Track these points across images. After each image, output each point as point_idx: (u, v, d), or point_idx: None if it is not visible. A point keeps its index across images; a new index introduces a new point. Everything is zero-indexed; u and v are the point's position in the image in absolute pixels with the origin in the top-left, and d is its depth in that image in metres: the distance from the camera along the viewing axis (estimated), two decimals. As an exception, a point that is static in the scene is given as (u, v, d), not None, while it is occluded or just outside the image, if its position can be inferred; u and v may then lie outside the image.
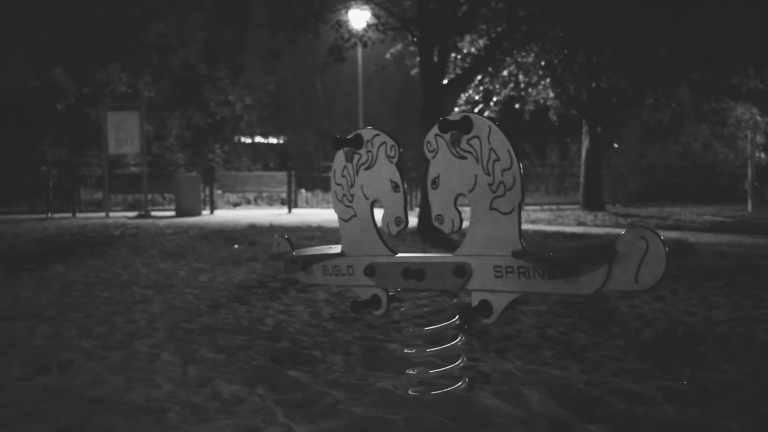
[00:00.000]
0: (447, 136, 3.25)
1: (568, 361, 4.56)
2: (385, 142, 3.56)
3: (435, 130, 3.29)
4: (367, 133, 3.65)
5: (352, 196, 3.74)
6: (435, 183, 3.32)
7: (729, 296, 7.00)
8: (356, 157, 3.68)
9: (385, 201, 3.59)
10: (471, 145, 3.17)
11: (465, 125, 3.16)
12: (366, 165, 3.64)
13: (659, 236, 2.74)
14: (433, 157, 3.31)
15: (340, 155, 3.78)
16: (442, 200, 3.31)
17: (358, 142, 3.65)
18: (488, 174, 3.12)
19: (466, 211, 3.21)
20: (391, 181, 3.54)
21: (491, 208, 3.15)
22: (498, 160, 3.09)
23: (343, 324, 5.78)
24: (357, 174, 3.69)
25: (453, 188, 3.27)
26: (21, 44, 33.22)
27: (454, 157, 3.24)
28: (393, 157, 3.53)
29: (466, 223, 3.29)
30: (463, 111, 3.43)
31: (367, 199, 3.68)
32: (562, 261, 3.03)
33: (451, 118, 3.20)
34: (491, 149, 3.10)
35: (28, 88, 31.33)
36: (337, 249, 3.92)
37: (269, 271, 8.84)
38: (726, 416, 3.47)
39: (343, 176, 3.77)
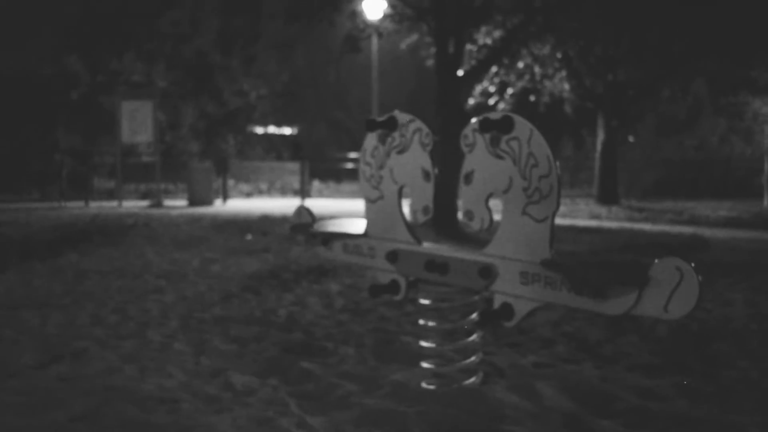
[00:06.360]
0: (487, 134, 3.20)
1: (581, 356, 4.55)
2: (420, 129, 3.54)
3: (474, 125, 3.23)
4: (401, 117, 3.63)
5: (380, 177, 3.72)
6: (468, 179, 3.27)
7: (744, 292, 6.95)
8: (389, 139, 3.66)
9: (414, 189, 3.56)
10: (510, 146, 3.11)
11: (506, 125, 3.11)
12: (398, 149, 3.62)
13: (693, 268, 2.67)
14: (469, 152, 3.27)
15: (371, 135, 3.76)
16: (474, 197, 3.27)
17: (392, 125, 3.64)
18: (525, 179, 3.07)
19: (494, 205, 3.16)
20: (423, 169, 3.52)
21: (524, 213, 3.09)
22: (536, 165, 3.03)
23: (356, 316, 5.78)
24: (388, 156, 3.67)
25: (486, 186, 3.22)
26: (35, 32, 33.27)
27: (491, 156, 3.18)
28: (427, 145, 3.51)
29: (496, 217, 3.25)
30: (504, 111, 3.39)
31: (395, 183, 3.67)
32: (591, 280, 2.95)
33: (492, 116, 3.15)
34: (530, 153, 3.05)
35: (43, 76, 31.36)
36: (358, 226, 3.91)
37: (282, 262, 8.84)
38: (740, 412, 3.46)
39: (372, 156, 3.75)
